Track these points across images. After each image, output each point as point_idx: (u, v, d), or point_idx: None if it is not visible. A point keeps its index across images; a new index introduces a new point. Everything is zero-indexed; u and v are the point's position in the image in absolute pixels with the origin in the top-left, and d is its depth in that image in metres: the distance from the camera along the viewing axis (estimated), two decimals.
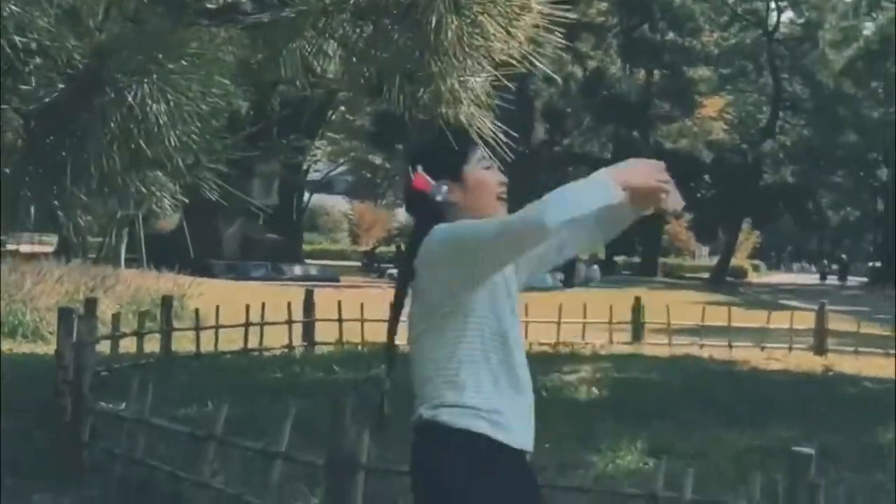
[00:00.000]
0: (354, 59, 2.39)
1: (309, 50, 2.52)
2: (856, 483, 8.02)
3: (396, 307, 3.58)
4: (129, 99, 2.21)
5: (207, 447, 7.46)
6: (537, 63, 2.48)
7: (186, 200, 2.73)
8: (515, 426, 3.36)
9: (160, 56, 2.23)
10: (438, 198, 3.34)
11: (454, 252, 3.28)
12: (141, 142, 2.22)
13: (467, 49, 2.34)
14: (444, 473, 3.29)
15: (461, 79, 2.40)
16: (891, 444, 9.74)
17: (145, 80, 2.18)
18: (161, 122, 2.25)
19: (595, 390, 12.41)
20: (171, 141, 2.27)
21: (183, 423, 8.45)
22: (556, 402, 11.15)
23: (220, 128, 2.48)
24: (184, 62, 2.26)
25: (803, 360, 17.18)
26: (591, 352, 17.28)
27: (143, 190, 2.57)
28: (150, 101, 2.19)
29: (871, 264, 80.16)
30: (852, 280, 71.81)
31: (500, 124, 2.83)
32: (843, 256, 79.73)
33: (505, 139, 2.88)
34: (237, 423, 8.62)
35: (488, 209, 3.43)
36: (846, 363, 16.75)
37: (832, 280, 71.69)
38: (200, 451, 7.48)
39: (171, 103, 2.24)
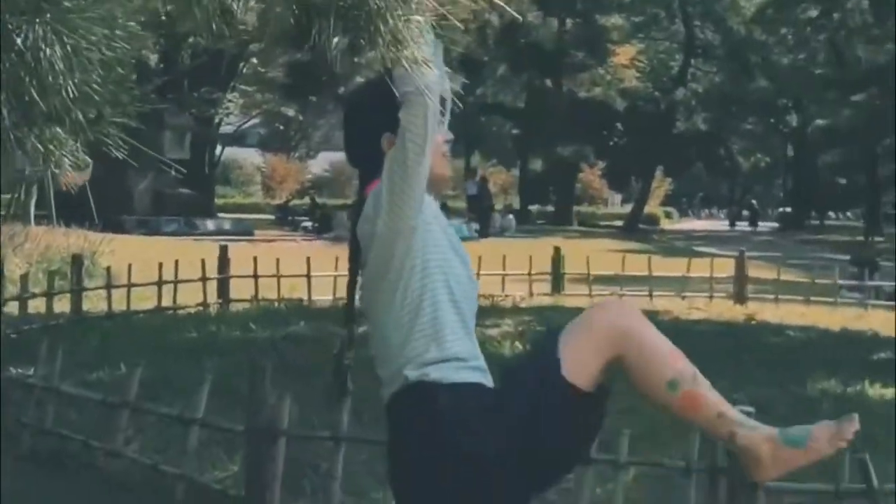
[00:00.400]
0: None
1: None
2: None
3: (351, 283, 3.41)
4: (19, 43, 1.91)
5: (120, 414, 7.19)
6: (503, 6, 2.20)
7: (89, 160, 2.41)
8: (485, 365, 3.27)
9: None
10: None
11: (390, 188, 3.14)
12: (34, 92, 1.91)
13: None
14: (446, 430, 3.09)
15: (403, 17, 2.10)
16: (819, 395, 9.67)
17: (38, 21, 1.87)
18: (57, 69, 1.93)
19: (519, 345, 12.20)
20: (70, 92, 1.95)
21: (95, 388, 8.19)
22: None
23: (126, 76, 2.16)
24: (83, 0, 1.95)
25: (725, 309, 17.13)
26: (512, 304, 17.08)
27: (40, 148, 2.24)
28: (43, 46, 1.88)
29: (781, 210, 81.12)
30: (762, 226, 72.61)
31: (447, 69, 2.56)
32: (753, 202, 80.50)
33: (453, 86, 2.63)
34: (152, 387, 8.35)
35: (435, 168, 3.26)
36: (767, 312, 16.73)
37: (742, 226, 72.39)
38: (113, 418, 7.21)
39: (69, 48, 1.92)
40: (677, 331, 14.27)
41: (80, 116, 2.08)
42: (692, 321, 15.43)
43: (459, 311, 3.23)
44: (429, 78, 2.88)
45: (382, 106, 3.16)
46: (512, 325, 13.85)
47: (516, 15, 2.54)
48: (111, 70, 2.09)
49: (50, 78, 1.92)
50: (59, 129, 2.22)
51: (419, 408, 3.14)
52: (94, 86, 2.04)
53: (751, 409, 5.20)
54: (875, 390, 9.89)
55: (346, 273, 3.44)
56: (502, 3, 2.25)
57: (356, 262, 3.39)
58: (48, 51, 1.89)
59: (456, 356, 3.16)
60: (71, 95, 1.96)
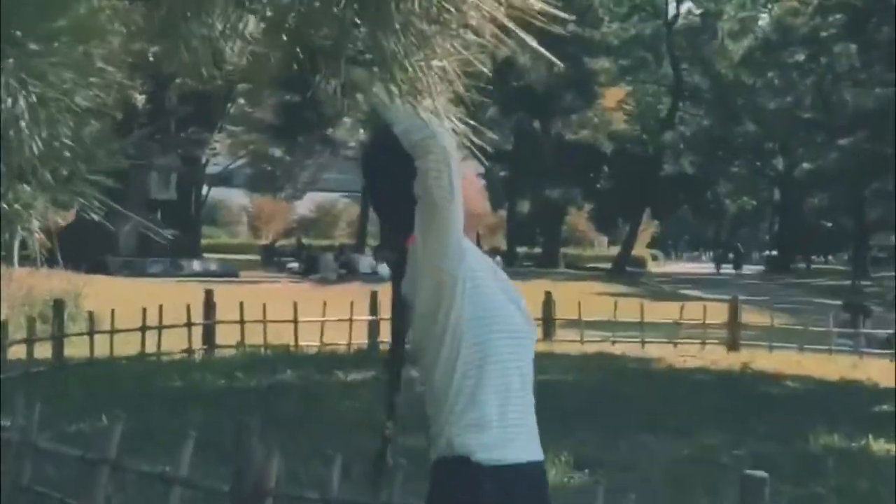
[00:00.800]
0: (285, 38, 1.80)
1: (221, 28, 1.92)
2: (797, 496, 7.61)
3: (396, 348, 3.14)
4: None
5: (100, 471, 6.87)
6: (529, 42, 1.92)
7: (61, 221, 2.12)
8: (533, 425, 3.04)
9: (18, 33, 1.63)
10: None
11: (430, 238, 2.89)
12: None
13: (439, 22, 1.77)
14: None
15: (420, 62, 1.82)
16: (823, 451, 9.37)
17: None
18: (21, 122, 1.64)
19: None
20: (36, 147, 1.67)
21: (75, 441, 7.86)
22: None
23: (102, 129, 1.88)
24: (53, 43, 1.68)
25: (719, 357, 16.83)
26: None
27: (5, 207, 1.96)
28: (5, 96, 1.60)
29: (767, 253, 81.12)
30: (747, 269, 72.56)
31: (474, 124, 2.28)
32: (738, 245, 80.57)
33: (477, 140, 2.36)
34: (134, 439, 8.03)
35: (471, 204, 3.09)
36: (762, 360, 16.39)
37: (727, 269, 72.24)
38: (93, 475, 6.88)
39: (35, 97, 1.64)
40: (673, 380, 14.06)
41: (48, 176, 1.80)
42: (687, 370, 15.12)
43: (515, 360, 2.99)
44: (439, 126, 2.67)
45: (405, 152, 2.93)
46: None
47: (556, 61, 2.23)
48: (85, 123, 1.81)
49: (12, 133, 1.64)
50: (26, 187, 1.94)
51: (462, 483, 2.94)
52: (65, 140, 1.76)
53: (765, 475, 4.95)
54: (879, 445, 9.60)
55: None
56: (541, 49, 1.97)
57: (401, 325, 3.10)
58: (10, 101, 1.61)
59: (498, 420, 2.93)
60: (37, 152, 1.68)
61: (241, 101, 48.15)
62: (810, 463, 8.79)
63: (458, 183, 2.83)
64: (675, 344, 17.85)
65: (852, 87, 52.08)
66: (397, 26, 1.73)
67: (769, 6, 62.34)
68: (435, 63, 1.86)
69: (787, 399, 12.55)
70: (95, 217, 2.10)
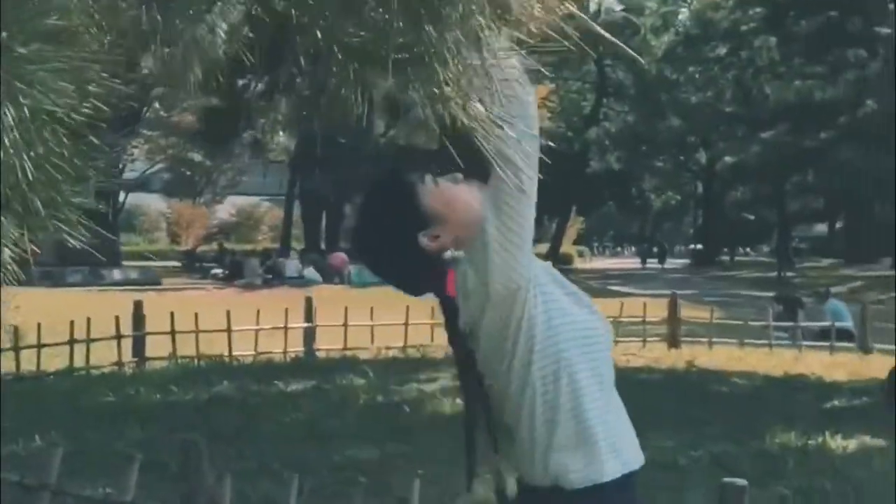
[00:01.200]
0: (319, 34, 1.52)
1: (227, 28, 1.65)
2: (762, 498, 7.43)
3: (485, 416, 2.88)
4: None
5: (40, 498, 6.53)
6: (604, 34, 1.66)
7: (38, 250, 1.83)
8: (626, 427, 2.92)
9: (5, 35, 1.35)
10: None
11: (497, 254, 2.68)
12: None
13: (496, 16, 1.50)
14: None
15: (469, 62, 1.55)
16: (780, 450, 9.23)
17: None
18: (10, 137, 1.36)
19: (459, 401, 11.64)
20: (28, 171, 1.38)
21: (9, 464, 7.50)
22: (421, 418, 10.43)
23: (98, 146, 1.59)
24: (45, 46, 1.40)
25: (661, 355, 16.69)
26: (445, 355, 16.46)
27: None
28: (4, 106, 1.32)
29: (692, 246, 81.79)
30: (670, 262, 73.08)
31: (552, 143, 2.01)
32: (661, 241, 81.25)
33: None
34: (70, 460, 7.68)
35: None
36: (703, 356, 16.28)
37: (652, 263, 72.70)
38: (32, 501, 6.55)
39: (26, 109, 1.36)
40: (619, 380, 13.76)
41: (38, 204, 1.51)
42: (632, 369, 14.89)
43: (592, 365, 2.78)
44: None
45: (405, 206, 2.81)
46: (449, 378, 13.12)
47: (617, 41, 1.99)
48: (79, 138, 1.53)
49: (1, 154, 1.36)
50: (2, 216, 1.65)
51: None
52: (57, 161, 1.48)
53: (744, 482, 4.76)
54: (836, 443, 9.46)
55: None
56: (610, 37, 1.72)
57: (477, 379, 2.84)
58: None
59: (589, 434, 2.75)
60: (28, 177, 1.39)
61: (157, 105, 47.43)
62: (770, 463, 8.65)
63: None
64: (616, 342, 17.66)
65: (773, 80, 52.55)
66: (447, 18, 1.46)
67: (689, 1, 62.80)
68: (490, 62, 1.60)
69: (737, 397, 12.42)
70: (77, 245, 1.81)
